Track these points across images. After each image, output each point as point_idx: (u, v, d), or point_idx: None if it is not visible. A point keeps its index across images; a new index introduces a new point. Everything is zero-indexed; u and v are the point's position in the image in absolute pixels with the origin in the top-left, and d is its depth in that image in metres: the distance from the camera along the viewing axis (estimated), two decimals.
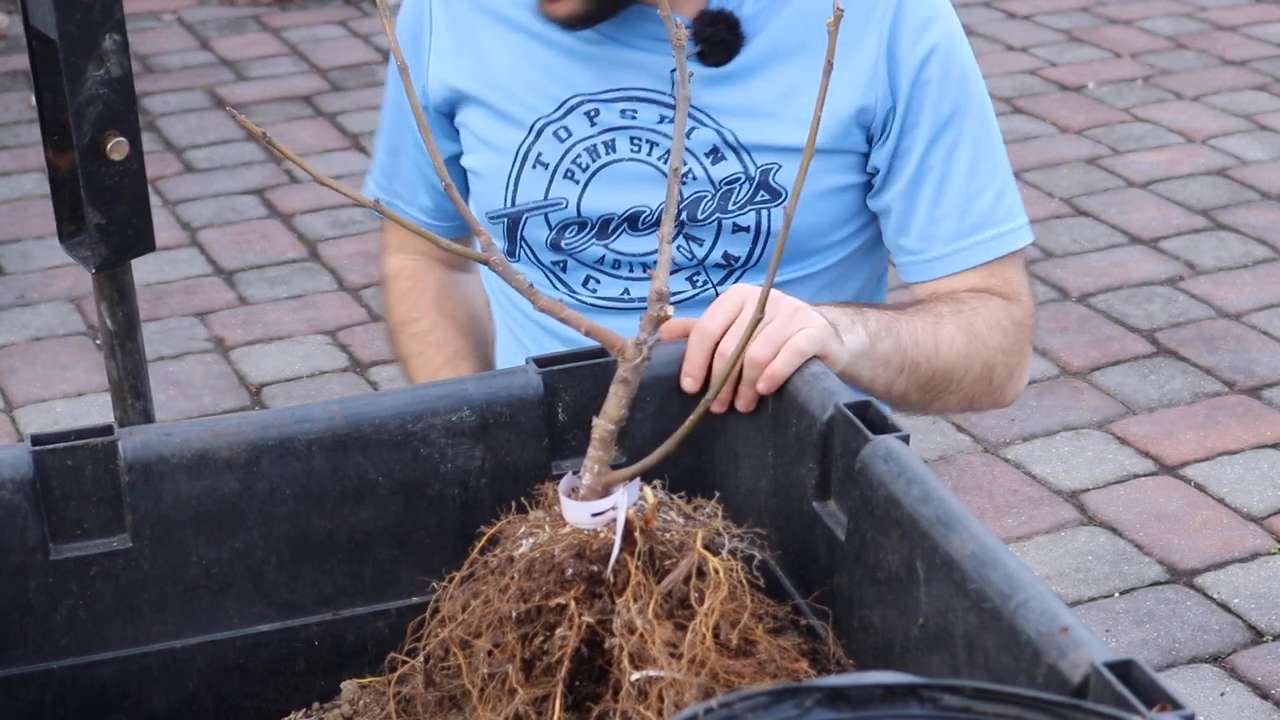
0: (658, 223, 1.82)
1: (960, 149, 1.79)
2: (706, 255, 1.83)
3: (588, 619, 1.22)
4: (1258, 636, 3.09)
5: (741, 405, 1.43)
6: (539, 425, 1.42)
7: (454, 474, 1.41)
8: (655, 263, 1.85)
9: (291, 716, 1.41)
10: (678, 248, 1.83)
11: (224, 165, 5.12)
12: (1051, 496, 3.50)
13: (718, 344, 1.44)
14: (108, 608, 1.36)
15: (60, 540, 1.33)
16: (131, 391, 1.54)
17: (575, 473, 1.29)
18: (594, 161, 1.84)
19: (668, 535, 1.26)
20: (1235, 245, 4.49)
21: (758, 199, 1.80)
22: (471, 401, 1.40)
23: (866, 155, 1.81)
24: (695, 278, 1.85)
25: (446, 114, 1.93)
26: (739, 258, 1.83)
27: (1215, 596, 3.18)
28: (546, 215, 1.86)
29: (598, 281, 1.87)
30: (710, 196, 1.81)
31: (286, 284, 4.41)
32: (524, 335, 1.98)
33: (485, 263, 1.29)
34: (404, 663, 1.32)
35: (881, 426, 1.29)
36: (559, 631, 1.22)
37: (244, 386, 3.94)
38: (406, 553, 1.41)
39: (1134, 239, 4.55)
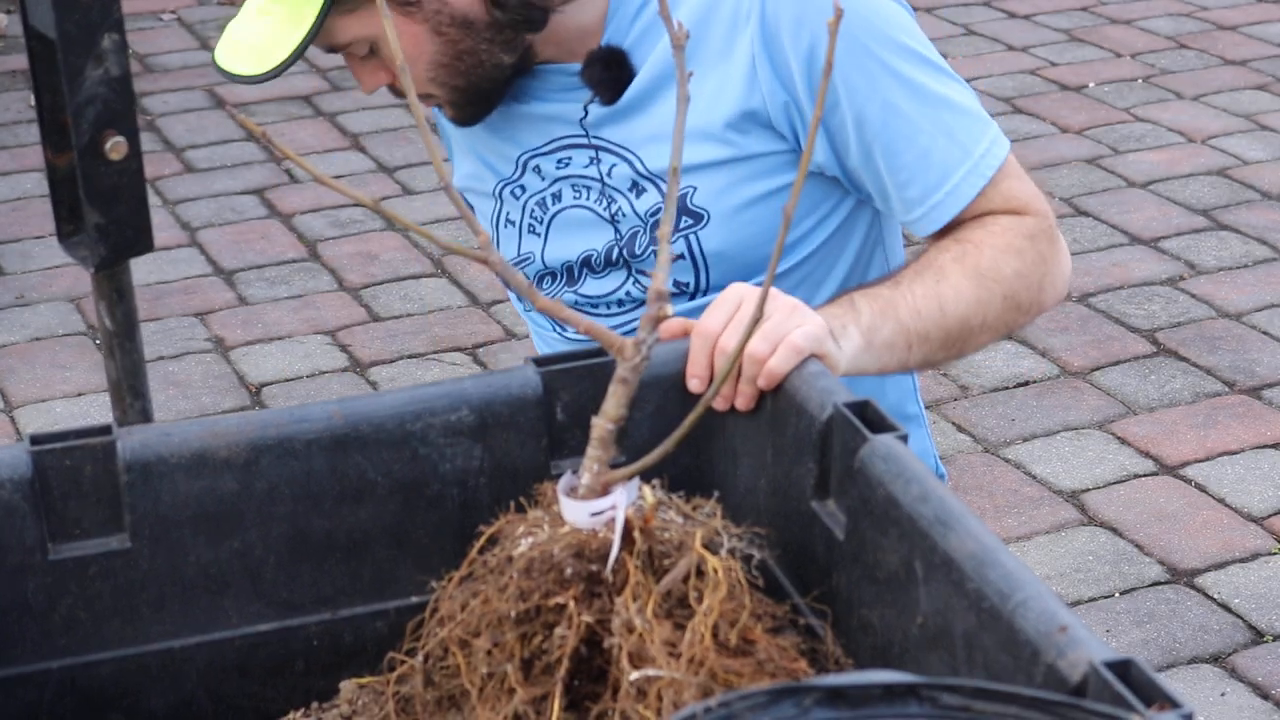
0: (607, 263, 1.87)
1: (894, 112, 1.75)
2: None
3: (587, 618, 1.22)
4: (1258, 637, 3.08)
5: (741, 403, 1.43)
6: (538, 425, 1.42)
7: (453, 474, 1.41)
8: (622, 300, 1.88)
9: (290, 716, 1.41)
10: (634, 283, 1.86)
11: (223, 165, 5.12)
12: (1052, 496, 3.50)
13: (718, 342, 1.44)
14: (106, 607, 1.35)
15: (59, 540, 1.33)
16: (130, 391, 1.53)
17: (574, 472, 1.29)
18: (545, 213, 1.90)
19: (667, 535, 1.26)
20: (1235, 245, 4.49)
21: (681, 225, 1.81)
22: (470, 401, 1.40)
23: (795, 152, 1.79)
24: None
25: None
26: (687, 284, 1.84)
27: (1215, 596, 3.18)
28: (523, 271, 1.92)
29: None
30: (642, 230, 1.84)
31: (286, 284, 4.41)
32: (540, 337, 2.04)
33: (484, 262, 1.29)
34: (403, 662, 1.32)
35: (880, 426, 1.29)
36: (558, 631, 1.22)
37: (244, 386, 3.94)
38: (405, 552, 1.41)
39: (1134, 239, 4.55)
